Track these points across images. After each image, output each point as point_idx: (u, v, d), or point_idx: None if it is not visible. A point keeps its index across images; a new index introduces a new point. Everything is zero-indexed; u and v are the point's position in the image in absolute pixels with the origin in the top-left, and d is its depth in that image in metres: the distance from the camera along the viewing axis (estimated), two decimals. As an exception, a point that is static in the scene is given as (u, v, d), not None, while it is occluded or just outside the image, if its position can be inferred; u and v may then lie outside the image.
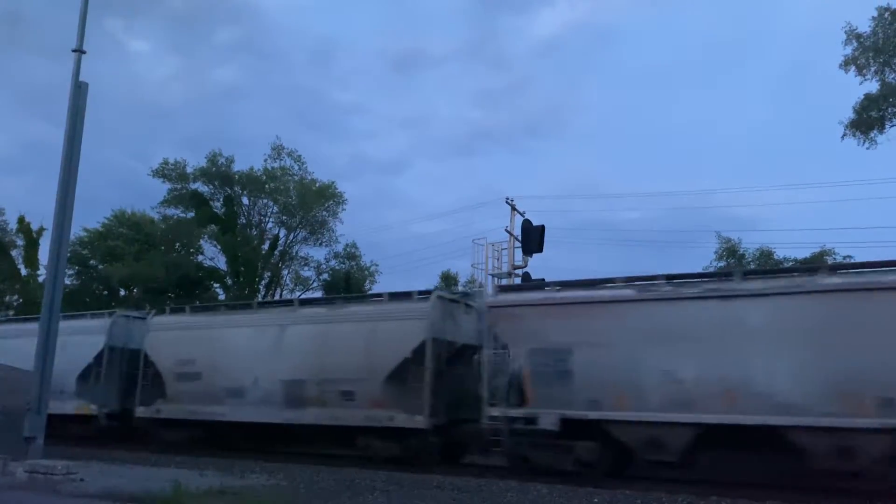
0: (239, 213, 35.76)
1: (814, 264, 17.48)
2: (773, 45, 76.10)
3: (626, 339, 12.23)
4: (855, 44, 20.36)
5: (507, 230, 23.83)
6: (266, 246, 36.04)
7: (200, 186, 35.42)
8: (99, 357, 19.32)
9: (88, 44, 13.36)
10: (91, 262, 36.42)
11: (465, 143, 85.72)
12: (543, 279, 20.39)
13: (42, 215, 35.99)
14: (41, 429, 12.20)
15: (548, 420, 12.62)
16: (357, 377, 14.97)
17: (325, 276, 36.38)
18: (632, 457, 12.50)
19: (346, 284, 33.30)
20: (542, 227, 22.94)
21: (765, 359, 11.11)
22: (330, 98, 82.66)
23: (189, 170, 35.02)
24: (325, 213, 35.58)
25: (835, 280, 11.33)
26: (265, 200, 35.47)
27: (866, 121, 20.53)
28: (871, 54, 20.13)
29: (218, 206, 35.83)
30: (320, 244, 36.40)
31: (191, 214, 35.52)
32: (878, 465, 10.46)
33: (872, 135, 20.68)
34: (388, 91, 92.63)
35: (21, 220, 36.38)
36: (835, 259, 20.94)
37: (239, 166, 35.18)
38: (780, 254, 24.31)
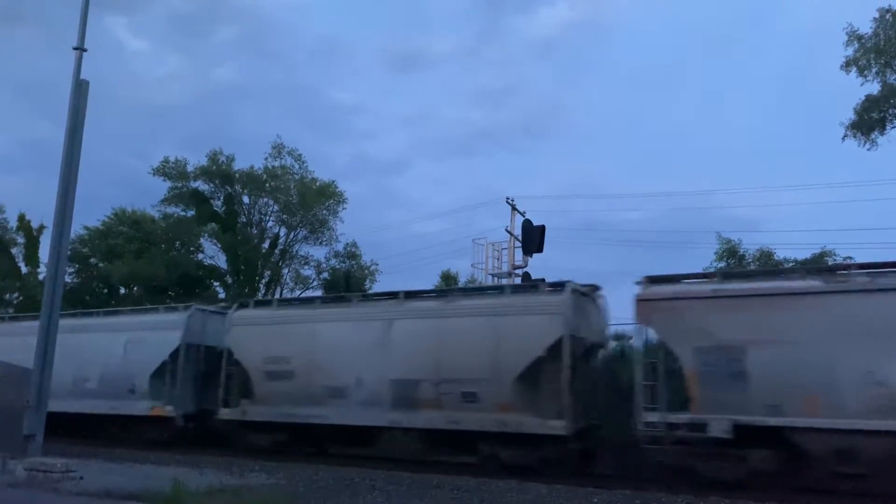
0: (239, 212, 35.75)
1: None
2: (774, 45, 76.12)
3: (817, 336, 10.94)
4: (856, 45, 20.36)
5: (507, 230, 23.83)
6: (266, 245, 36.04)
7: (201, 185, 35.43)
8: (175, 354, 17.96)
9: (89, 42, 13.38)
10: (91, 260, 36.42)
11: (466, 143, 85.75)
12: (543, 279, 20.39)
13: (42, 213, 36.03)
14: (41, 426, 12.21)
15: (719, 427, 11.35)
16: (481, 377, 13.55)
17: (325, 275, 36.38)
18: (813, 467, 11.22)
19: (347, 284, 33.29)
20: (543, 227, 22.94)
21: None
22: (330, 97, 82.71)
23: (189, 168, 35.03)
24: (325, 212, 35.57)
25: None
26: (265, 199, 35.46)
27: (867, 122, 20.52)
28: (872, 55, 20.12)
29: (218, 204, 35.83)
30: (321, 243, 36.42)
31: (191, 213, 35.52)
32: None
33: (873, 136, 20.68)
34: (388, 91, 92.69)
35: (21, 218, 36.41)
36: (835, 260, 20.90)
37: (239, 165, 35.21)
38: (780, 254, 24.29)
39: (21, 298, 34.76)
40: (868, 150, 20.84)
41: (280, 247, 36.31)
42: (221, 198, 35.72)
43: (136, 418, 18.16)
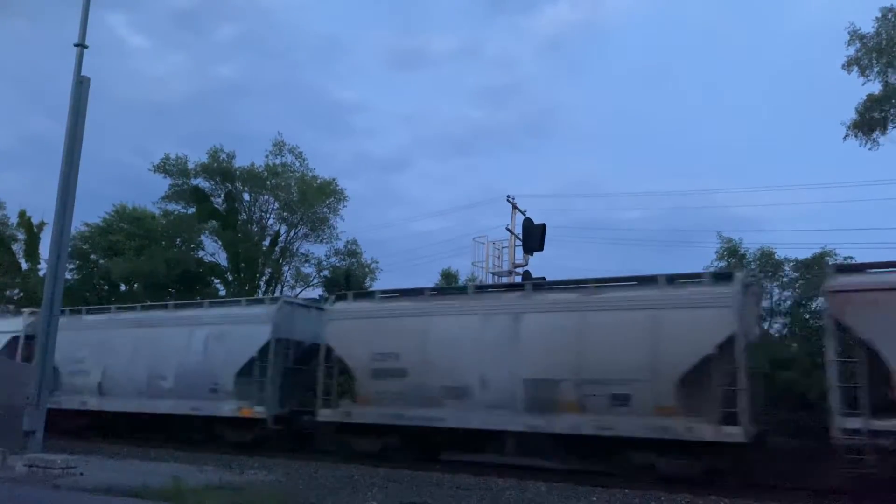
0: (240, 209, 35.71)
1: None
2: (775, 44, 76.00)
3: None
4: (858, 44, 20.32)
5: (507, 228, 23.82)
6: (267, 242, 36.02)
7: (201, 182, 35.37)
8: (264, 350, 16.55)
9: (90, 39, 13.39)
10: (92, 256, 36.38)
11: (467, 142, 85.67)
12: (544, 277, 20.41)
13: (43, 209, 36.00)
14: (41, 423, 12.23)
15: None
16: (635, 378, 12.17)
17: (326, 273, 36.37)
18: None
19: (347, 282, 33.29)
20: (543, 226, 22.95)
21: None
22: (331, 95, 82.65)
23: (190, 165, 34.95)
24: (326, 209, 35.54)
25: None
26: (266, 197, 35.40)
27: (868, 122, 20.48)
28: (874, 55, 20.09)
29: (219, 201, 35.79)
30: (321, 241, 36.36)
31: (192, 210, 35.49)
32: None
33: (874, 136, 20.65)
34: (389, 89, 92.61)
35: (22, 215, 36.41)
36: (836, 260, 20.87)
37: (240, 162, 35.14)
38: (780, 254, 24.26)
39: (21, 295, 34.77)
40: (869, 149, 20.81)
41: (280, 244, 36.29)
42: (222, 195, 35.70)
43: (219, 420, 16.92)
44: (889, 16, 19.82)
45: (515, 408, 13.19)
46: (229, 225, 34.80)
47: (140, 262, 32.95)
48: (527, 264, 23.14)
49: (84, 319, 20.65)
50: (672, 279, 12.87)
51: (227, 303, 19.41)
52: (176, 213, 35.89)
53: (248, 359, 16.66)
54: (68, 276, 31.74)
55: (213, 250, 36.24)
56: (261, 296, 19.09)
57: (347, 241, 36.41)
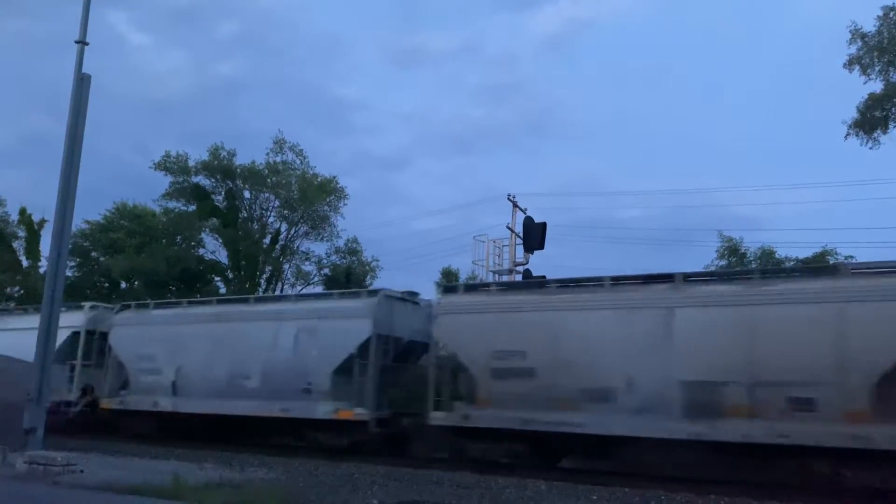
0: (240, 207, 35.75)
1: None
2: (776, 43, 75.93)
3: None
4: (859, 43, 20.31)
5: (508, 227, 23.83)
6: (267, 240, 36.04)
7: (202, 180, 35.44)
8: (363, 347, 15.18)
9: (91, 36, 13.38)
10: (92, 254, 36.45)
11: (467, 140, 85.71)
12: (544, 276, 20.38)
13: (44, 207, 36.08)
14: (41, 420, 12.22)
15: None
16: (820, 379, 10.90)
17: (326, 271, 36.41)
18: None
19: (347, 279, 33.32)
20: (544, 225, 22.95)
21: None
22: (332, 93, 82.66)
23: (191, 163, 35.02)
24: (326, 207, 35.58)
25: None
26: (267, 194, 35.46)
27: (870, 120, 20.48)
28: (875, 54, 20.08)
29: (219, 199, 35.83)
30: (321, 239, 36.45)
31: (192, 208, 35.53)
32: None
33: (876, 135, 20.65)
34: (390, 87, 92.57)
35: (23, 212, 36.44)
36: (836, 258, 20.89)
37: (241, 160, 35.22)
38: (781, 253, 24.29)
39: (22, 292, 34.80)
40: (870, 148, 20.82)
41: (281, 242, 36.33)
42: (222, 193, 35.74)
43: (311, 423, 15.67)
44: (891, 15, 19.81)
45: (670, 412, 11.85)
46: (230, 223, 34.81)
47: (140, 260, 32.99)
48: (527, 263, 23.16)
49: (152, 314, 19.37)
50: (857, 267, 11.73)
51: (316, 296, 18.23)
52: (176, 210, 35.92)
53: (347, 356, 15.26)
54: (69, 273, 31.81)
55: (213, 248, 36.34)
56: (357, 289, 17.21)
57: (348, 240, 36.51)
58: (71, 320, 19.64)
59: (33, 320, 20.96)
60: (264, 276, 35.84)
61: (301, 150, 35.87)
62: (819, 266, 12.11)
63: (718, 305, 12.14)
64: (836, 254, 22.16)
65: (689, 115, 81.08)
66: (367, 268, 36.20)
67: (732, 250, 24.67)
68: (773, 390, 11.22)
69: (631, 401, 12.19)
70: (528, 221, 23.17)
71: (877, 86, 20.39)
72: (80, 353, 19.34)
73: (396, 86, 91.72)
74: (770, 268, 12.68)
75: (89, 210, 41.58)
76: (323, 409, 15.27)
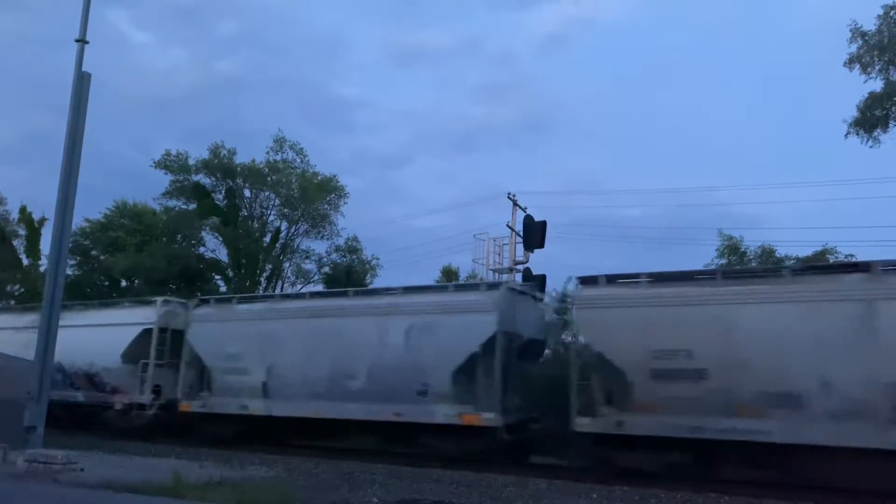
0: (241, 206, 35.73)
1: None
2: (777, 41, 75.88)
3: None
4: (860, 42, 20.29)
5: (508, 225, 23.83)
6: (268, 239, 36.05)
7: (202, 178, 35.38)
8: (488, 345, 13.80)
9: (91, 34, 13.39)
10: (92, 252, 36.40)
11: (467, 138, 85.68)
12: (544, 275, 20.43)
13: (44, 205, 35.97)
14: (41, 418, 12.24)
15: None
16: None
17: (327, 269, 36.42)
18: None
19: (347, 278, 33.31)
20: (544, 223, 22.95)
21: None
22: (332, 91, 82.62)
23: (191, 161, 34.98)
24: (326, 206, 35.56)
25: None
26: (267, 193, 35.42)
27: (870, 119, 20.46)
28: (875, 52, 20.07)
29: (220, 198, 35.81)
30: (322, 237, 36.42)
31: (192, 206, 35.52)
32: None
33: (876, 133, 20.63)
34: (390, 85, 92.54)
35: (23, 210, 36.39)
36: (837, 258, 20.88)
37: (241, 158, 35.16)
38: (781, 252, 24.28)
39: (22, 291, 34.81)
40: (871, 147, 20.80)
41: (281, 241, 36.30)
42: (223, 191, 35.72)
43: (429, 428, 14.25)
44: (891, 13, 19.78)
45: (877, 419, 10.56)
46: (230, 221, 34.81)
47: (141, 258, 32.97)
48: (527, 261, 23.17)
49: (236, 309, 18.03)
50: None
51: (427, 289, 16.14)
52: (177, 209, 35.89)
53: (469, 355, 13.89)
54: (69, 272, 31.78)
55: (213, 247, 36.28)
56: (474, 282, 15.01)
57: (348, 238, 36.48)
58: (141, 316, 19.24)
59: (93, 316, 20.35)
60: (264, 274, 35.85)
61: (301, 149, 35.87)
62: None
63: None
64: (836, 252, 22.14)
65: (690, 113, 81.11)
66: (368, 266, 36.21)
67: (733, 249, 24.65)
68: None
69: (826, 406, 10.87)
70: (529, 220, 23.18)
71: (877, 84, 20.38)
72: (152, 351, 18.46)
73: (397, 84, 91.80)
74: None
75: (90, 208, 41.55)
76: (443, 413, 13.95)
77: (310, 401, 15.59)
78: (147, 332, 18.75)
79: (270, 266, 35.95)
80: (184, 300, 20.12)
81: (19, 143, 66.53)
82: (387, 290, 16.44)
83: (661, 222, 52.78)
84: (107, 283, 36.32)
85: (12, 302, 32.43)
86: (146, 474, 10.18)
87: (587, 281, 13.66)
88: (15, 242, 36.71)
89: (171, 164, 34.80)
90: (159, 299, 19.60)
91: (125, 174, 66.05)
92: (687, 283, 12.83)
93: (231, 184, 35.39)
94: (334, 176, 36.04)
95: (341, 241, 36.48)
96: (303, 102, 79.43)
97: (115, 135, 71.32)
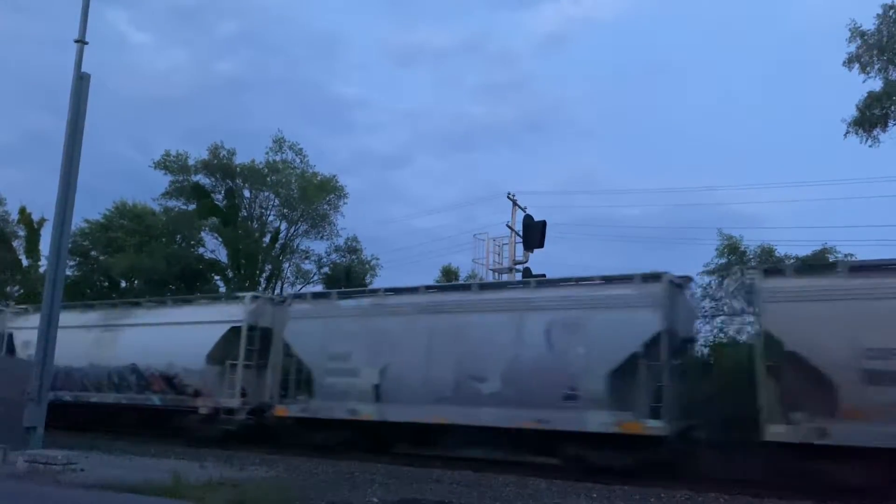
0: (240, 206, 35.76)
1: None
2: (776, 41, 75.92)
3: None
4: (859, 41, 20.30)
5: (508, 225, 23.86)
6: (267, 239, 36.06)
7: (202, 179, 35.43)
8: (651, 345, 12.44)
9: (91, 35, 13.39)
10: (92, 253, 36.39)
11: (467, 138, 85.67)
12: (544, 275, 20.42)
13: (43, 206, 36.08)
14: (41, 419, 12.24)
15: None
16: None
17: (326, 269, 36.43)
18: None
19: (347, 278, 33.32)
20: (544, 223, 22.99)
21: None
22: (332, 91, 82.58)
23: (190, 162, 35.02)
24: (326, 206, 35.59)
25: None
26: (266, 193, 35.46)
27: (869, 118, 20.46)
28: (875, 52, 20.07)
29: (219, 198, 35.84)
30: (321, 238, 36.45)
31: (192, 206, 35.55)
32: None
33: (875, 133, 20.63)
34: (390, 85, 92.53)
35: (22, 211, 36.43)
36: (836, 257, 20.87)
37: (241, 159, 35.20)
38: (781, 251, 24.28)
39: (22, 291, 34.80)
40: (870, 146, 20.80)
41: (281, 241, 36.33)
42: (222, 192, 35.76)
43: (579, 436, 12.74)
44: (890, 13, 19.79)
45: None
46: (229, 222, 34.84)
47: (140, 259, 32.97)
48: (527, 261, 23.20)
49: (340, 305, 16.56)
50: None
51: (565, 282, 14.42)
52: (176, 209, 35.92)
53: (628, 355, 12.51)
54: (68, 272, 31.74)
55: (213, 247, 36.30)
56: (625, 273, 13.33)
57: (348, 238, 36.50)
58: (229, 314, 18.09)
59: (171, 314, 19.25)
60: (264, 275, 35.87)
61: (301, 149, 35.92)
62: None
63: None
64: (836, 252, 22.13)
65: (689, 113, 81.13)
66: (367, 266, 36.22)
67: (732, 248, 24.66)
68: None
69: None
70: (528, 220, 23.21)
71: (876, 84, 20.39)
72: (241, 351, 17.23)
73: (397, 84, 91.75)
74: None
75: (89, 209, 41.61)
76: (597, 420, 12.45)
77: (432, 405, 14.12)
78: (235, 331, 17.58)
79: (270, 266, 35.97)
80: (270, 297, 19.05)
81: (19, 144, 66.56)
82: (517, 284, 15.11)
83: (661, 222, 52.79)
84: (106, 283, 36.33)
85: (11, 303, 32.37)
86: (146, 474, 10.18)
87: (772, 272, 12.46)
88: (14, 243, 36.74)
89: (171, 164, 34.83)
90: (248, 295, 18.59)
91: (125, 175, 66.07)
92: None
93: (231, 184, 35.41)
94: (334, 176, 36.10)
95: (341, 242, 36.53)
96: (303, 102, 79.47)
97: (114, 135, 71.32)
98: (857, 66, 20.46)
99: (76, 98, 13.08)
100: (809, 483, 11.09)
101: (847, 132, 20.94)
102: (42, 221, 35.59)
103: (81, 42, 13.25)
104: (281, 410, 16.28)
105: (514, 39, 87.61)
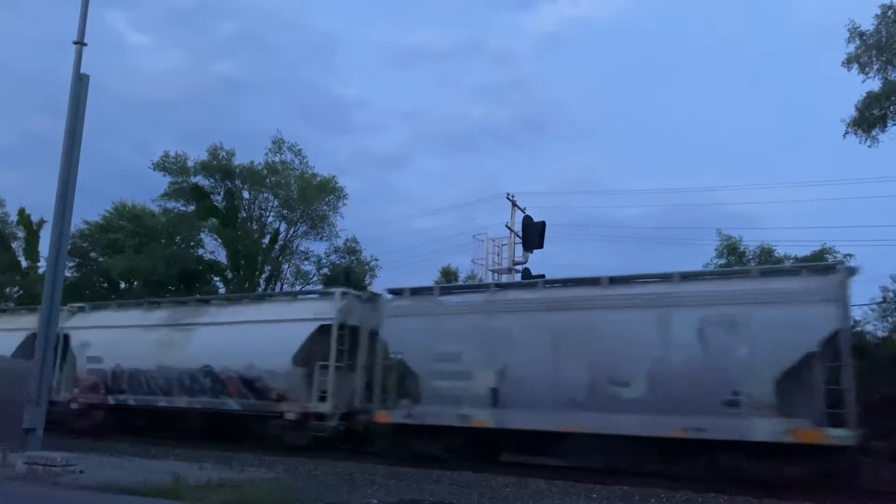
0: (239, 207, 35.78)
1: None
2: (775, 41, 75.98)
3: None
4: (858, 41, 20.32)
5: (507, 226, 23.87)
6: (266, 240, 36.06)
7: (201, 180, 35.46)
8: (828, 344, 11.26)
9: (90, 36, 13.38)
10: (91, 254, 36.39)
11: (467, 138, 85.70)
12: (543, 275, 20.42)
13: (43, 207, 36.07)
14: (41, 420, 12.22)
15: None
16: None
17: (326, 270, 36.43)
18: None
19: (347, 279, 33.31)
20: (543, 223, 22.99)
21: None
22: (331, 92, 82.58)
23: (190, 163, 35.05)
24: (325, 207, 35.61)
25: None
26: (266, 194, 35.49)
27: (868, 119, 20.48)
28: (873, 52, 20.09)
29: (218, 199, 35.86)
30: (321, 238, 36.47)
31: (191, 208, 35.56)
32: None
33: (874, 133, 20.65)
34: (389, 85, 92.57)
35: (21, 212, 36.43)
36: (835, 257, 20.90)
37: (240, 160, 35.24)
38: (780, 251, 24.31)
39: (21, 293, 34.78)
40: (869, 147, 20.82)
41: (280, 242, 36.34)
42: (222, 193, 35.77)
43: (733, 445, 11.47)
44: (889, 13, 19.81)
45: None
46: (229, 223, 34.85)
47: (140, 260, 32.96)
48: (526, 262, 23.20)
49: (444, 301, 15.06)
50: None
51: (713, 275, 12.98)
52: (175, 210, 35.92)
53: (802, 356, 11.21)
54: (68, 273, 31.73)
55: (212, 248, 36.35)
56: (788, 265, 11.88)
57: (347, 239, 36.52)
58: (317, 311, 16.52)
59: (250, 312, 17.74)
60: (263, 275, 35.87)
61: (300, 150, 35.96)
62: None
63: None
64: (835, 252, 22.17)
65: (689, 113, 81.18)
66: (367, 267, 36.23)
67: (731, 249, 24.69)
68: None
69: None
70: (528, 220, 23.22)
71: (875, 84, 20.41)
72: (333, 351, 15.70)
73: (396, 84, 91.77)
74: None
75: (88, 210, 41.59)
76: (764, 429, 11.19)
77: (559, 412, 12.77)
78: (324, 330, 16.04)
79: (269, 267, 35.98)
80: (358, 293, 17.68)
81: (18, 145, 66.55)
82: (654, 278, 13.55)
83: (661, 222, 52.85)
84: (105, 284, 36.31)
85: (11, 304, 32.35)
86: (146, 476, 10.16)
87: None
88: (14, 245, 36.73)
89: (170, 165, 34.85)
90: (338, 291, 16.94)
91: (124, 176, 66.11)
92: None
93: (230, 185, 35.43)
94: (333, 177, 36.14)
95: (340, 242, 36.55)
96: (302, 103, 79.48)
97: (113, 136, 71.34)
98: (856, 66, 20.48)
99: (75, 99, 13.06)
100: None
101: (846, 132, 20.96)
102: (41, 223, 35.60)
103: (80, 44, 13.24)
104: (382, 416, 14.63)
105: (513, 40, 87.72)
